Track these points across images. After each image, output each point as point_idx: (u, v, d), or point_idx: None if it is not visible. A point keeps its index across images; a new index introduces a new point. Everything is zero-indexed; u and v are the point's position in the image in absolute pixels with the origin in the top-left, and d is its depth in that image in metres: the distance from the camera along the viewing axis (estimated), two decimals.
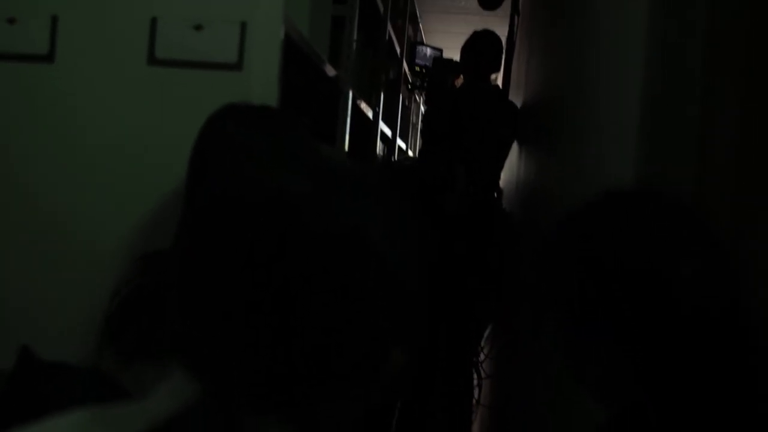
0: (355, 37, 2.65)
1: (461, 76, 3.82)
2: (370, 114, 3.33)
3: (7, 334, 1.46)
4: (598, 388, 1.08)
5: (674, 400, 0.99)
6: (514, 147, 3.75)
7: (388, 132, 3.92)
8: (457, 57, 3.90)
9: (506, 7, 3.83)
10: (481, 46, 3.63)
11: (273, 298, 0.70)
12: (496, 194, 3.73)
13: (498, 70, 3.72)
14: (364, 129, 3.39)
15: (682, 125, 1.41)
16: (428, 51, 3.95)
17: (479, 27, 3.83)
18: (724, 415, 0.98)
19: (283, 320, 0.70)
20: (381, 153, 3.78)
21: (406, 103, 5.10)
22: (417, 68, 3.91)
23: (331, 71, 2.26)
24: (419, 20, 5.63)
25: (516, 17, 3.76)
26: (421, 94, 4.64)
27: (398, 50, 4.13)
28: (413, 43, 4.01)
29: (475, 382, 3.60)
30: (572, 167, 2.26)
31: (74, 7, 1.54)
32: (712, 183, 1.40)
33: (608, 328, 1.01)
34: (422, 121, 4.07)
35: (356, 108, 2.97)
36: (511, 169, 4.04)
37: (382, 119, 3.76)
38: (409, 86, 4.46)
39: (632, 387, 1.02)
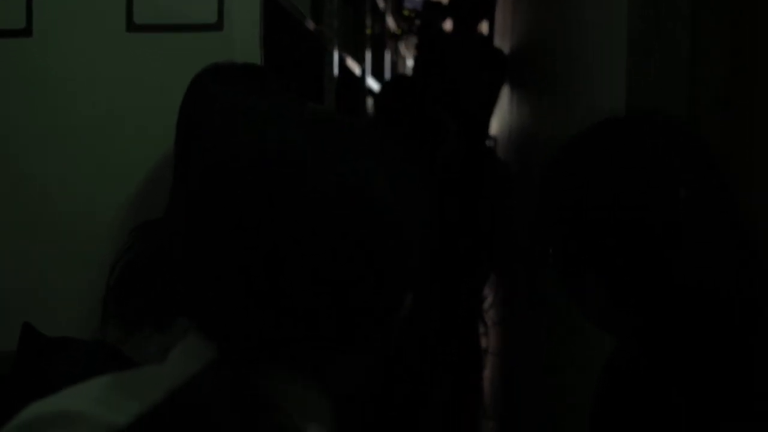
0: None
1: (450, 21, 3.78)
2: (357, 71, 3.29)
3: (6, 315, 1.45)
4: (599, 319, 1.07)
5: (674, 328, 0.99)
6: (506, 94, 3.73)
7: (376, 88, 3.88)
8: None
9: None
10: None
11: (279, 254, 0.69)
12: (489, 142, 3.72)
13: (487, 17, 3.69)
14: (352, 86, 3.36)
15: (671, 61, 1.39)
16: None
17: None
18: (723, 342, 0.97)
19: (291, 275, 0.69)
20: (371, 110, 3.75)
21: (394, 58, 5.06)
22: (406, 12, 3.87)
23: (313, 27, 2.23)
24: None
25: None
26: (409, 43, 4.59)
27: (381, 4, 4.08)
28: None
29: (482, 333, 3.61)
30: (564, 110, 2.25)
31: None
32: (704, 118, 1.39)
33: (606, 256, 1.00)
34: (413, 64, 4.03)
35: (343, 65, 2.93)
36: (503, 117, 4.02)
37: (371, 75, 3.73)
38: (399, 32, 4.41)
39: (632, 317, 1.01)
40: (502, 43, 3.99)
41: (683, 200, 0.97)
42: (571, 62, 2.11)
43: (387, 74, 4.38)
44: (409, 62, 4.75)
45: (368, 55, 3.65)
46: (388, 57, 4.57)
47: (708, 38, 1.38)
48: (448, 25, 3.84)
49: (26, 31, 1.50)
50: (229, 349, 0.71)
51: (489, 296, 3.64)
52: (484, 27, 3.80)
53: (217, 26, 1.47)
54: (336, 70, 2.62)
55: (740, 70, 1.38)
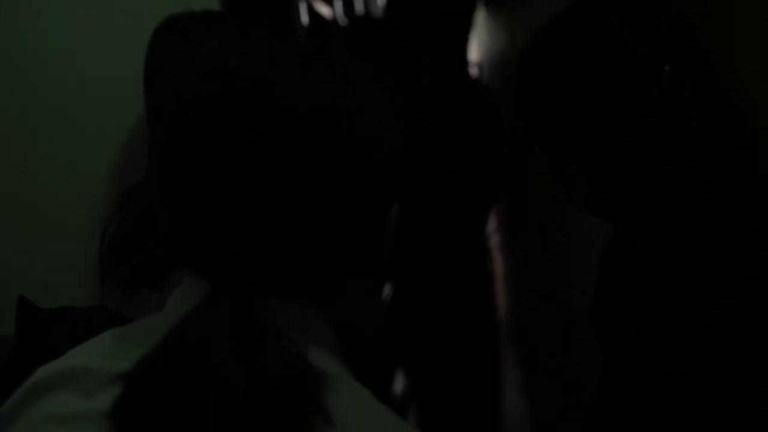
0: None
1: None
2: (327, 14, 3.25)
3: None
4: (587, 204, 1.07)
5: (662, 203, 0.98)
6: (483, 19, 3.69)
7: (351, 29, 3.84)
8: None
9: None
10: None
11: (257, 178, 0.69)
12: (473, 70, 3.68)
13: None
14: (324, 31, 3.32)
15: None
16: None
17: None
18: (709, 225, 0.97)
19: (275, 201, 0.70)
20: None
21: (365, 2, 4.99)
22: None
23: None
24: None
25: None
26: None
27: None
28: None
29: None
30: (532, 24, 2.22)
31: None
32: None
33: (590, 137, 0.98)
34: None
35: (312, 10, 2.90)
36: (484, 43, 3.98)
37: (343, 18, 3.68)
38: None
39: (621, 197, 1.01)
40: None
41: (667, 75, 0.95)
42: None
43: (359, 13, 4.33)
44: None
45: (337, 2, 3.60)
46: (357, 2, 4.51)
47: None
48: None
49: None
50: (221, 282, 0.71)
51: (492, 222, 3.65)
52: None
53: None
54: (305, 16, 2.59)
55: None
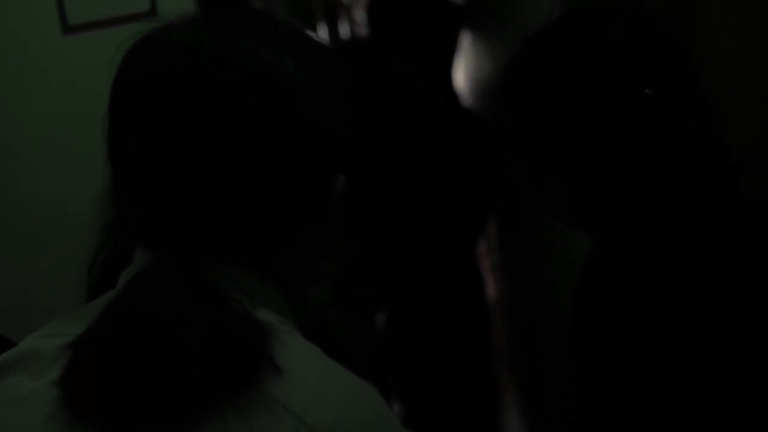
0: None
1: None
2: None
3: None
4: (569, 218, 1.07)
5: (648, 233, 0.99)
6: (468, 41, 3.72)
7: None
8: None
9: None
10: None
11: (201, 150, 0.71)
12: (456, 85, 3.71)
13: None
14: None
15: None
16: None
17: None
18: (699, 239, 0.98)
19: (214, 167, 0.71)
20: None
21: (350, 27, 5.03)
22: None
23: (259, 4, 2.23)
24: None
25: None
26: (361, 5, 4.56)
27: None
28: None
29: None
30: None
31: None
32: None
33: (579, 158, 0.99)
34: (366, 21, 4.01)
35: None
36: (467, 69, 4.01)
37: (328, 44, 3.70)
38: None
39: (610, 220, 1.02)
40: None
41: (651, 91, 0.97)
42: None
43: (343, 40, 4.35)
44: (363, 26, 4.71)
45: (322, 27, 3.63)
46: (342, 26, 4.54)
47: None
48: None
49: None
50: (164, 248, 0.72)
51: (484, 241, 3.66)
52: None
53: (151, 13, 1.47)
54: None
55: None
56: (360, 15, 5.30)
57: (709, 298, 0.95)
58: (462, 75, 4.12)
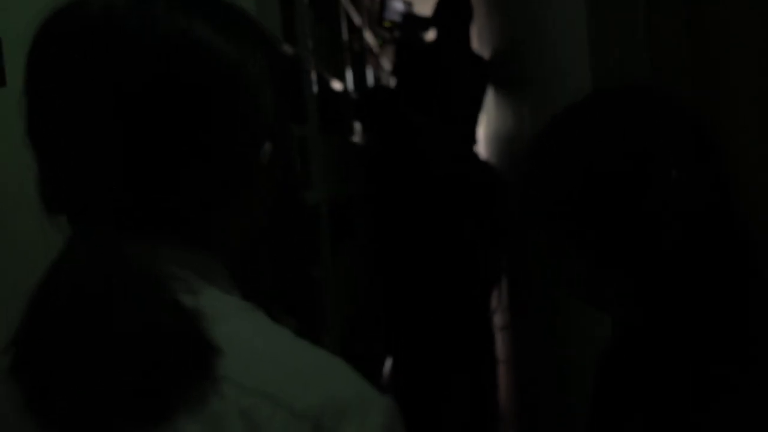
0: (308, 12, 2.64)
1: (431, 31, 3.81)
2: (338, 87, 3.31)
3: None
4: (587, 294, 1.07)
5: (668, 310, 0.99)
6: (491, 99, 3.75)
7: (362, 103, 3.90)
8: (426, 11, 3.89)
9: None
10: (451, 7, 3.63)
11: (122, 118, 0.69)
12: (474, 147, 3.74)
13: (467, 26, 3.71)
14: (334, 103, 3.38)
15: (630, 46, 1.41)
16: (398, 5, 3.91)
17: None
18: (717, 320, 0.98)
19: (137, 137, 0.69)
20: (358, 127, 3.77)
21: (376, 72, 5.08)
22: (386, 24, 3.88)
23: (288, 50, 2.26)
24: None
25: None
26: (389, 54, 4.63)
27: (357, 20, 4.11)
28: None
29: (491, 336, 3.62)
30: (539, 109, 2.27)
31: (19, 27, 1.53)
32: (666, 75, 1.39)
33: (599, 234, 1.00)
34: (392, 74, 4.07)
35: (324, 85, 2.96)
36: (490, 121, 4.04)
37: (353, 90, 3.75)
38: (380, 43, 4.42)
39: (628, 298, 1.02)
40: (482, 48, 4.01)
41: (675, 181, 0.97)
42: (542, 61, 2.13)
43: (370, 87, 4.40)
44: (390, 74, 4.76)
45: (349, 71, 3.67)
46: (369, 71, 4.60)
47: (664, 17, 1.39)
48: (429, 35, 3.87)
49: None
50: (88, 220, 0.69)
51: (496, 300, 3.65)
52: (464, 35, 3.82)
53: None
54: (315, 89, 2.64)
55: (698, 47, 1.39)
56: (387, 64, 5.37)
57: (732, 375, 0.95)
58: (484, 130, 4.15)
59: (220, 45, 0.72)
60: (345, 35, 3.61)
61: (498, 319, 3.66)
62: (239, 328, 0.70)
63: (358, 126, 3.74)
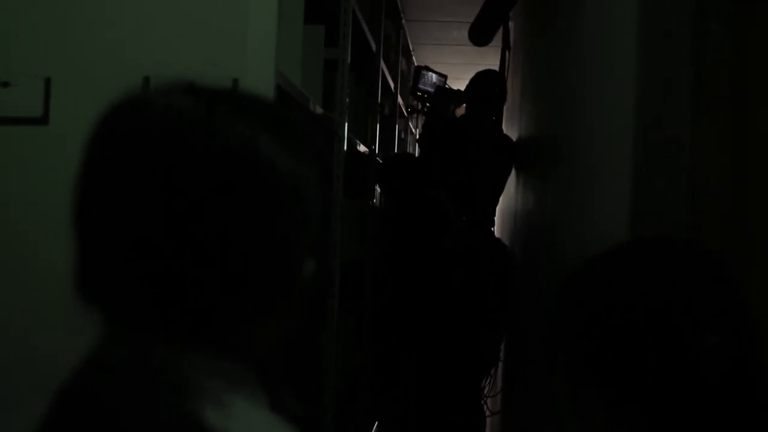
0: (347, 78, 2.67)
1: (463, 106, 3.85)
2: (364, 148, 3.34)
3: None
4: None
5: None
6: (512, 179, 3.77)
7: (385, 167, 3.92)
8: (457, 85, 3.94)
9: (498, 37, 3.86)
10: (484, 85, 3.68)
11: (173, 222, 0.68)
12: (491, 227, 3.75)
13: (498, 106, 3.75)
14: (360, 163, 3.40)
15: (673, 165, 1.42)
16: (433, 77, 3.97)
17: (472, 58, 3.84)
18: None
19: (186, 241, 0.68)
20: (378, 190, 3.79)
21: (402, 136, 5.12)
22: (419, 93, 3.94)
23: (319, 111, 2.28)
24: (412, 54, 5.67)
25: (507, 52, 3.79)
26: (419, 119, 4.68)
27: (392, 85, 4.16)
28: (418, 67, 4.03)
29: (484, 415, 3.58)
30: (568, 203, 2.27)
31: (68, 68, 1.55)
32: (706, 225, 1.41)
33: (625, 387, 0.99)
34: (418, 144, 4.11)
35: (352, 146, 2.98)
36: (509, 201, 4.05)
37: (379, 152, 3.77)
38: (409, 110, 4.48)
39: None
40: (510, 128, 4.04)
41: (711, 345, 0.96)
42: (575, 162, 2.14)
43: (396, 153, 4.43)
44: (416, 143, 4.81)
45: (377, 133, 3.70)
46: (396, 134, 4.63)
47: (710, 147, 1.40)
48: (460, 110, 3.91)
49: (43, 119, 1.53)
50: (130, 324, 0.68)
51: (491, 382, 3.62)
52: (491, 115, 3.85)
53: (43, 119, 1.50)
54: (344, 150, 2.66)
55: (742, 188, 1.40)
56: (415, 131, 5.43)
57: None
58: (500, 211, 4.17)
59: (277, 160, 0.72)
60: (379, 99, 3.64)
61: (491, 404, 3.62)
62: None
63: (377, 189, 3.76)
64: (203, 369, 0.71)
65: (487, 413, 3.55)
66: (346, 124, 2.67)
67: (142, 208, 0.68)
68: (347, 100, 2.68)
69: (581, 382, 1.04)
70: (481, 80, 3.73)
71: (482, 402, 3.50)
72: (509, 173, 3.72)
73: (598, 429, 1.06)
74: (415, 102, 4.10)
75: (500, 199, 3.82)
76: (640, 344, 0.98)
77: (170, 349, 0.70)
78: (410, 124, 5.40)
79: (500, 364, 3.65)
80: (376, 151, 3.69)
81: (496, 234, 4.00)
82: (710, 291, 1.01)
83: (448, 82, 4.04)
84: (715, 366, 0.96)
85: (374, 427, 3.78)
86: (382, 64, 3.67)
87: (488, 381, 3.54)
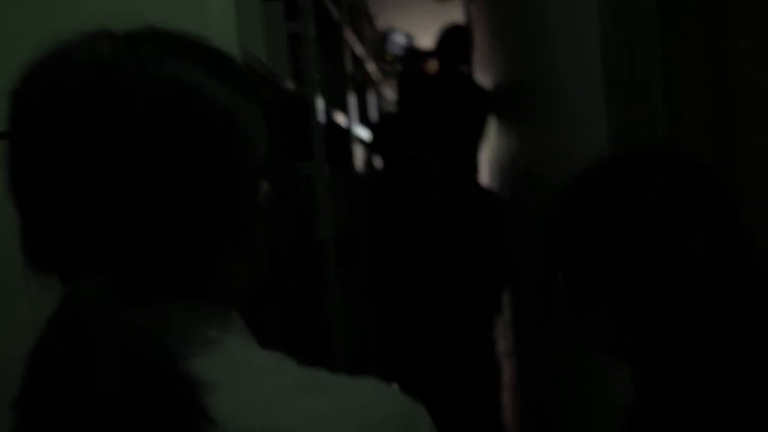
0: (315, 50, 2.65)
1: (433, 63, 3.85)
2: (342, 120, 3.32)
3: None
4: (608, 349, 1.08)
5: (697, 366, 0.99)
6: (493, 127, 3.77)
7: (365, 135, 3.92)
8: (424, 44, 3.93)
9: None
10: (452, 40, 3.67)
11: (113, 167, 0.66)
12: (476, 177, 3.75)
13: (467, 57, 3.74)
14: (339, 136, 3.39)
15: (646, 83, 1.42)
16: (400, 38, 3.97)
17: (435, 15, 3.83)
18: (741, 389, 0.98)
19: (131, 185, 0.66)
20: (362, 159, 3.78)
21: (378, 103, 5.10)
22: (387, 57, 3.94)
23: (291, 86, 2.26)
24: (374, 18, 5.63)
25: (470, 3, 3.78)
26: (392, 86, 4.67)
27: (361, 51, 4.14)
28: (384, 32, 4.03)
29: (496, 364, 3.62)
30: (548, 145, 2.28)
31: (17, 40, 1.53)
32: (683, 139, 1.41)
33: (618, 291, 1.00)
34: (395, 107, 4.09)
35: (330, 119, 2.96)
36: (493, 148, 4.06)
37: (360, 122, 3.76)
38: (381, 75, 4.47)
39: (654, 353, 1.02)
40: (483, 78, 4.03)
41: (700, 243, 0.98)
42: (552, 100, 2.14)
43: (373, 119, 4.42)
44: (392, 105, 4.79)
45: (352, 103, 3.68)
46: (372, 102, 4.61)
47: (682, 71, 1.41)
48: (431, 66, 3.90)
49: None
50: (85, 276, 0.65)
51: (499, 325, 3.65)
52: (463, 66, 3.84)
53: None
54: (322, 125, 2.65)
55: (717, 98, 1.41)
56: (389, 94, 5.40)
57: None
58: (485, 157, 4.17)
59: (211, 90, 0.70)
60: (349, 68, 3.62)
61: (502, 345, 3.65)
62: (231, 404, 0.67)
63: (360, 158, 3.75)
64: (185, 319, 0.70)
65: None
66: (321, 98, 2.65)
67: (80, 159, 0.66)
68: (317, 73, 2.66)
69: (584, 299, 1.05)
70: (449, 35, 3.72)
71: (491, 344, 3.53)
72: (486, 121, 3.73)
73: (606, 345, 1.07)
74: (387, 66, 4.09)
75: (483, 147, 3.82)
76: (635, 250, 0.98)
77: (143, 303, 0.68)
78: (383, 90, 5.38)
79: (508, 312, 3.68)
80: (354, 121, 3.68)
81: (485, 183, 4.01)
82: (698, 190, 1.01)
83: (414, 41, 4.04)
84: (710, 264, 0.97)
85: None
86: (348, 32, 3.64)
87: (497, 325, 3.57)
